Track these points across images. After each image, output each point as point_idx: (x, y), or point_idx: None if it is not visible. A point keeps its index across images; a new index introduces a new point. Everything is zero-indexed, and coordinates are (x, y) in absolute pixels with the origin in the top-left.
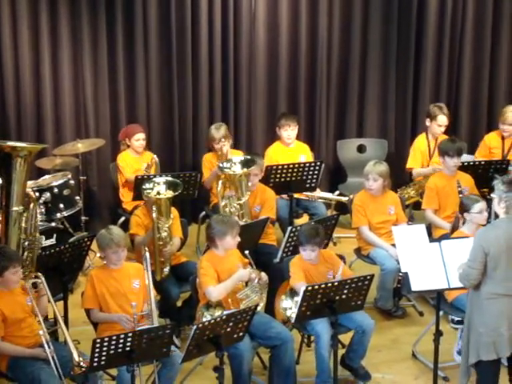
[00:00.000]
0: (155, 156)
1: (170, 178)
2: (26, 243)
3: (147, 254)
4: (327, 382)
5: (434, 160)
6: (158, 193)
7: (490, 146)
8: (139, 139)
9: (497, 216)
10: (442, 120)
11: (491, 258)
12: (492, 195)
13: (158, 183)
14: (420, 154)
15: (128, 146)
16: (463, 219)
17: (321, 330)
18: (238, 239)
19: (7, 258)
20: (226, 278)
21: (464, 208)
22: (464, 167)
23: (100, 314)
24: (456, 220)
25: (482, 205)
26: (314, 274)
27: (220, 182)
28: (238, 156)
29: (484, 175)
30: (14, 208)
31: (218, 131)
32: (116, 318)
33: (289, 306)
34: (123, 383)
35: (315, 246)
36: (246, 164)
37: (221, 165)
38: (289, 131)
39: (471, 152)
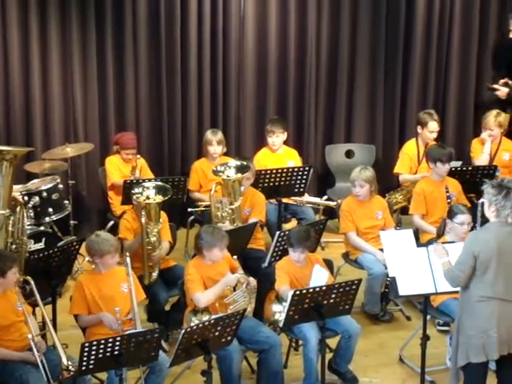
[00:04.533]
0: (138, 156)
1: (159, 183)
2: (13, 247)
3: (128, 260)
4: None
5: (423, 166)
6: (148, 197)
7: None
8: (129, 154)
9: (484, 221)
10: (433, 126)
11: (481, 261)
12: (482, 200)
13: (148, 188)
14: (408, 160)
15: (118, 152)
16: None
17: (309, 334)
18: (226, 252)
19: (9, 258)
20: (211, 284)
21: (450, 215)
22: (452, 173)
23: (87, 317)
24: (442, 223)
25: (465, 217)
26: (299, 276)
27: (214, 185)
28: (233, 160)
29: (471, 180)
30: (1, 212)
31: (215, 135)
32: (101, 315)
33: (278, 310)
34: None
35: (305, 249)
36: (240, 169)
37: (215, 168)
38: (273, 138)
39: (459, 158)
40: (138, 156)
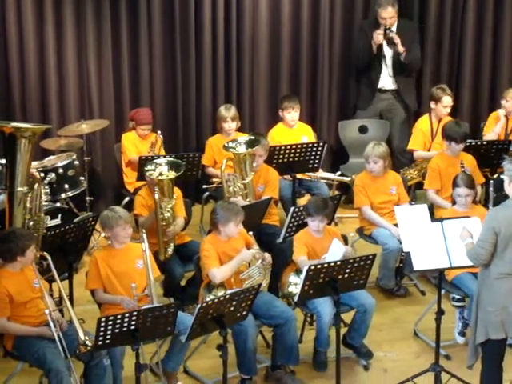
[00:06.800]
0: (159, 132)
1: (171, 159)
2: (31, 223)
3: (144, 236)
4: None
5: (436, 141)
6: (161, 174)
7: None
8: (144, 129)
9: (497, 197)
10: (447, 101)
11: (502, 238)
12: (502, 176)
13: (161, 164)
14: (422, 136)
15: (134, 128)
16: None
17: (322, 310)
18: (241, 227)
19: (28, 236)
20: (227, 260)
21: (454, 183)
22: (466, 147)
23: (104, 294)
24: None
25: (461, 191)
26: (317, 248)
27: (224, 160)
28: (243, 137)
29: (486, 155)
30: (19, 188)
31: (229, 111)
32: (119, 299)
33: (294, 282)
34: (115, 357)
35: (324, 218)
36: (250, 144)
37: (226, 144)
38: (292, 113)
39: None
40: (159, 132)
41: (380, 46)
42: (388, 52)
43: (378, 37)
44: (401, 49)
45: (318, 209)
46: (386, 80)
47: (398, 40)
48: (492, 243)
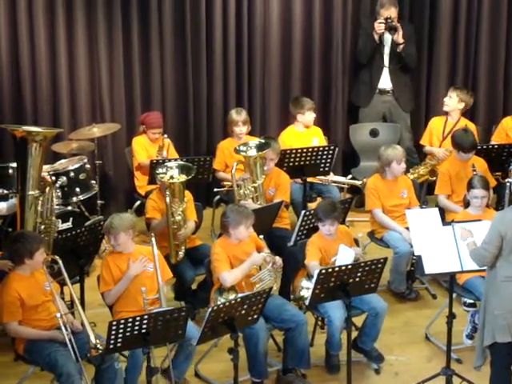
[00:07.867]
0: (165, 136)
1: (182, 162)
2: (42, 227)
3: (153, 239)
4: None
5: (447, 142)
6: (172, 177)
7: (508, 127)
8: (155, 133)
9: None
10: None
11: (507, 241)
12: (509, 180)
13: (171, 167)
14: (434, 134)
15: (145, 132)
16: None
17: (333, 314)
18: (252, 230)
19: (36, 239)
20: (238, 264)
21: (467, 187)
22: (477, 151)
23: (114, 287)
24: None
25: (478, 192)
26: (331, 251)
27: (234, 164)
28: (253, 140)
29: (497, 159)
30: (30, 192)
31: (240, 115)
32: (129, 271)
33: (306, 286)
34: (137, 362)
35: (334, 221)
36: (261, 147)
37: (237, 147)
38: (313, 114)
39: (487, 137)
40: (165, 136)
41: (381, 38)
42: (387, 42)
43: (380, 26)
44: (400, 39)
45: (327, 213)
46: (387, 80)
47: (399, 28)
48: (497, 246)
